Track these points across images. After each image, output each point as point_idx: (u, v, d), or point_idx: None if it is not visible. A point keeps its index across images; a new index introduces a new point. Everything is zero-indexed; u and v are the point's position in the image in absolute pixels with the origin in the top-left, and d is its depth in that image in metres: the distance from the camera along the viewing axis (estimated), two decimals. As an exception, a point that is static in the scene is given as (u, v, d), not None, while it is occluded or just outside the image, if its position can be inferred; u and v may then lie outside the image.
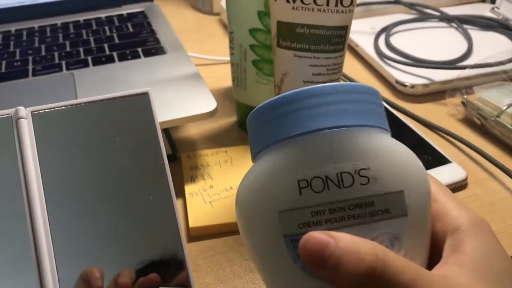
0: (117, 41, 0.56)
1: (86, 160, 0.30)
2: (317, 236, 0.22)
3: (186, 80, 0.46)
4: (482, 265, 0.23)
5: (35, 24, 0.61)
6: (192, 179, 0.42)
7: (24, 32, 0.59)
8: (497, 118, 0.47)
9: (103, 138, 0.31)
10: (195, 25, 0.75)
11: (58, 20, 0.62)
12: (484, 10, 0.72)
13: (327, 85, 0.24)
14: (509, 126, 0.46)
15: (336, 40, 0.36)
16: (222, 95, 0.56)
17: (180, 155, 0.45)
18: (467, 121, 0.51)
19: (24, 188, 0.29)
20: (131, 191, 0.30)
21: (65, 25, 0.61)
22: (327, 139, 0.23)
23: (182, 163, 0.44)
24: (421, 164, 0.25)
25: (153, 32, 0.57)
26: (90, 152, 0.31)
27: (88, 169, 0.30)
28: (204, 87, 0.44)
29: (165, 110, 0.41)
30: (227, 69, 0.60)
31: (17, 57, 0.53)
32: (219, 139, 0.49)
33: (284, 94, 0.24)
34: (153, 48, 0.53)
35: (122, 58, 0.51)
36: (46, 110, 0.31)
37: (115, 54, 0.52)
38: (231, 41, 0.46)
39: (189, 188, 0.41)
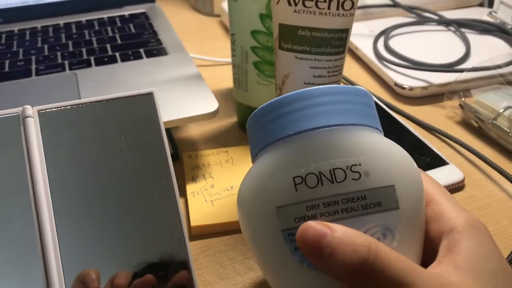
0: (119, 41, 0.56)
1: (91, 159, 0.31)
2: (315, 226, 0.23)
3: (188, 81, 0.47)
4: (477, 265, 0.24)
5: (38, 24, 0.62)
6: (194, 179, 0.43)
7: (27, 32, 0.60)
8: (494, 121, 0.47)
9: (108, 138, 0.31)
10: (196, 26, 0.76)
11: (61, 20, 0.62)
12: (482, 14, 0.73)
13: (319, 87, 0.26)
14: (506, 128, 0.46)
15: (337, 42, 0.37)
16: (222, 96, 0.56)
17: (182, 155, 0.46)
18: (465, 124, 0.52)
19: (31, 185, 0.29)
20: (135, 190, 0.31)
21: (67, 26, 0.61)
22: (320, 137, 0.25)
23: (184, 163, 0.45)
24: (412, 161, 0.26)
25: (155, 33, 0.58)
26: (95, 151, 0.31)
27: (93, 168, 0.31)
28: (206, 88, 0.45)
29: (167, 111, 0.41)
30: (228, 70, 0.60)
31: (20, 57, 0.54)
32: (220, 140, 0.49)
33: (278, 97, 0.26)
34: (155, 49, 0.54)
35: (125, 58, 0.52)
36: (53, 109, 0.31)
37: (117, 54, 0.53)
38: (232, 42, 0.47)
39: (190, 188, 0.42)
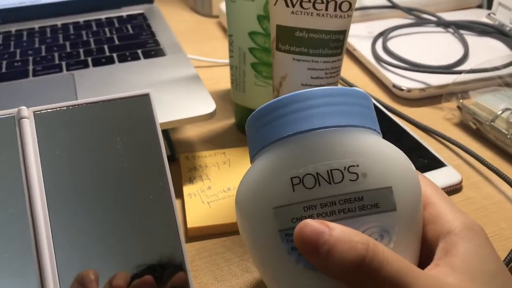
0: (117, 42, 0.56)
1: (87, 160, 0.31)
2: (313, 224, 0.23)
3: (185, 82, 0.47)
4: (473, 267, 0.24)
5: (36, 24, 0.62)
6: (191, 180, 0.42)
7: (25, 33, 0.60)
8: (492, 123, 0.47)
9: (104, 139, 0.31)
10: (194, 27, 0.76)
11: (59, 21, 0.62)
12: (480, 16, 0.73)
13: (317, 89, 0.26)
14: (504, 130, 0.46)
15: (334, 44, 0.36)
16: (220, 97, 0.56)
17: (179, 156, 0.46)
18: (463, 125, 0.52)
19: (26, 186, 0.29)
20: (131, 192, 0.31)
21: (65, 26, 0.61)
22: (318, 138, 0.25)
23: (181, 164, 0.44)
24: (410, 162, 0.26)
25: (152, 34, 0.58)
26: (91, 152, 0.31)
27: (89, 169, 0.31)
28: (203, 89, 0.45)
29: (165, 112, 0.41)
30: (225, 71, 0.60)
31: (18, 57, 0.54)
32: (217, 141, 0.49)
33: (276, 99, 0.26)
34: (153, 50, 0.54)
35: (122, 59, 0.52)
36: (48, 110, 0.31)
37: (115, 55, 0.53)
38: (230, 44, 0.47)
39: (187, 189, 0.41)
